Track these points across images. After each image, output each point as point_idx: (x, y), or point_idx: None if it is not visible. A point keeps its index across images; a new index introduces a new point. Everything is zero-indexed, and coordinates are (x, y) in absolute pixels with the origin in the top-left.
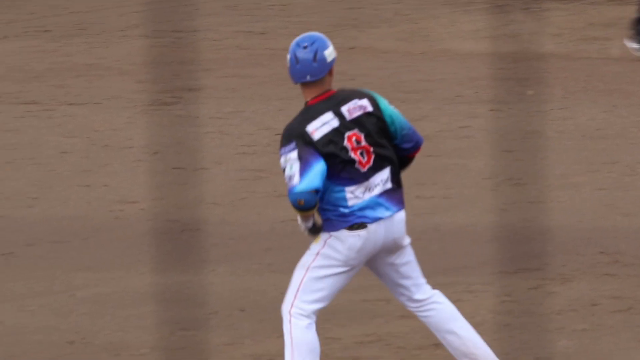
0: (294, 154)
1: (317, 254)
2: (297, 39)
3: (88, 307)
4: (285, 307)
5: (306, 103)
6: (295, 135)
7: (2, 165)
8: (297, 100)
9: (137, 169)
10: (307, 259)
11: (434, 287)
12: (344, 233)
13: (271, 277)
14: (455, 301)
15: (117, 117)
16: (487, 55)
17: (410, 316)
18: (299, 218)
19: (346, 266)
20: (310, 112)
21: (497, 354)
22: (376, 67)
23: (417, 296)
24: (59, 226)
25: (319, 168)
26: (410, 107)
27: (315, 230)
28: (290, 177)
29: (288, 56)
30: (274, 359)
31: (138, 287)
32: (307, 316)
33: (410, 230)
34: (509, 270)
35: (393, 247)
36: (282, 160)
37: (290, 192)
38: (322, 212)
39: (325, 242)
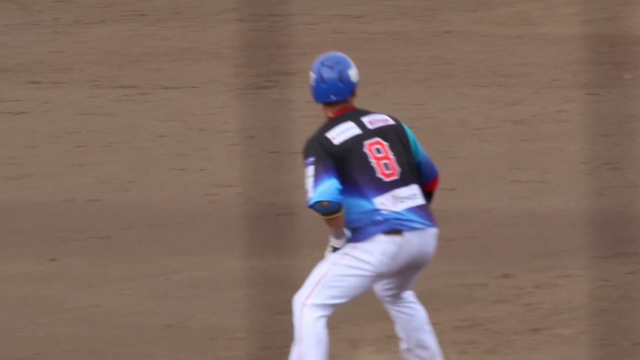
0: (310, 170)
1: (347, 254)
2: (321, 58)
3: (184, 291)
4: (299, 298)
5: (328, 119)
6: (314, 145)
7: (99, 149)
8: (392, 85)
9: (232, 152)
10: (335, 256)
11: (531, 272)
12: (380, 237)
13: None
14: (552, 286)
15: (213, 101)
16: (584, 39)
17: (507, 301)
18: (333, 241)
19: (375, 272)
20: (331, 123)
21: (595, 338)
22: (473, 50)
23: (403, 295)
24: (154, 210)
25: (331, 182)
26: (506, 91)
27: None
28: (309, 191)
29: (313, 75)
30: (371, 343)
31: (233, 270)
32: (322, 309)
33: (506, 214)
34: (606, 255)
35: (422, 261)
36: (305, 172)
37: (309, 203)
38: (355, 223)
39: (357, 244)
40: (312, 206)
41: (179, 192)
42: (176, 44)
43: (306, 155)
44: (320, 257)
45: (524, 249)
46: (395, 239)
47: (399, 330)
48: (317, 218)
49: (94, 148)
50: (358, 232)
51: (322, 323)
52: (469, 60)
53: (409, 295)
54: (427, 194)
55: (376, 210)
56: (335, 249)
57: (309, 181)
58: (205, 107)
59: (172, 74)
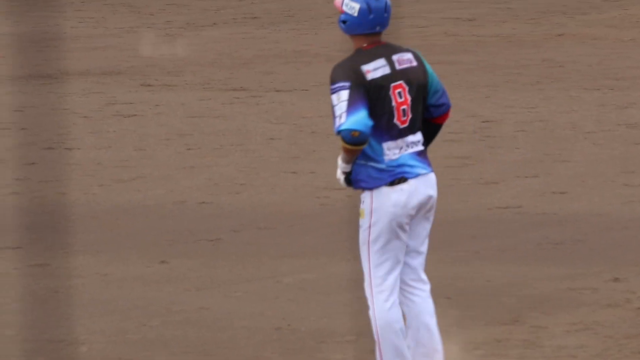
0: (345, 94)
1: (370, 226)
2: None
3: (294, 294)
4: (367, 291)
5: (360, 49)
6: (349, 73)
7: (210, 152)
8: (503, 87)
9: None
10: (363, 235)
11: None
12: (385, 190)
13: (478, 265)
14: None
15: (324, 104)
16: None
17: (618, 305)
18: (340, 164)
19: (397, 226)
20: (365, 55)
21: None
22: (585, 53)
23: (422, 276)
24: (265, 213)
25: (365, 113)
26: (618, 94)
27: (349, 180)
28: (339, 116)
29: (356, 5)
30: (479, 347)
31: (343, 273)
32: (389, 293)
33: (617, 218)
34: None
35: (430, 206)
36: (334, 97)
37: (339, 128)
38: (359, 167)
39: (371, 211)
40: (341, 131)
41: (289, 195)
42: (288, 46)
43: (338, 79)
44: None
45: (635, 253)
46: (402, 187)
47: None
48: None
49: (205, 150)
50: (361, 173)
51: (395, 309)
52: (581, 63)
53: (423, 284)
54: (436, 126)
55: (380, 155)
56: (347, 179)
57: (342, 105)
58: (316, 110)
59: (283, 77)
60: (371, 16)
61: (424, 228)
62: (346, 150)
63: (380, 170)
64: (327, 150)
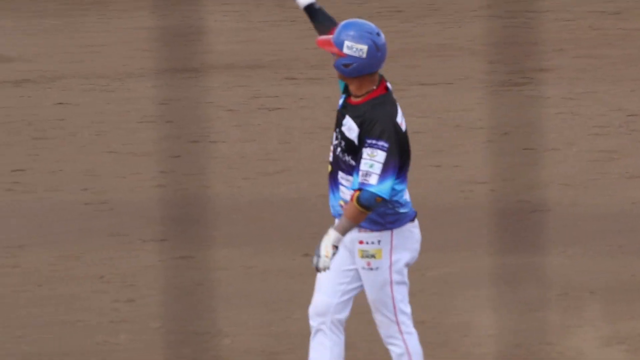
0: (382, 156)
1: (390, 265)
2: (363, 27)
3: (437, 287)
4: (388, 329)
5: (372, 91)
6: (392, 130)
7: None
8: None
9: (487, 149)
10: (382, 277)
11: None
12: (408, 226)
13: (623, 259)
14: None
15: (468, 98)
16: None
17: None
18: (334, 235)
19: (414, 259)
20: (392, 104)
21: None
22: None
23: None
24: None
25: (392, 181)
26: None
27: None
28: (368, 175)
29: (364, 46)
30: (624, 341)
31: (486, 267)
32: (411, 322)
33: None
34: None
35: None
36: (370, 152)
37: (367, 187)
38: (386, 207)
39: (390, 249)
40: (367, 192)
41: (433, 189)
42: (432, 40)
43: (383, 136)
44: (575, 255)
45: None
46: (417, 222)
47: None
48: (573, 215)
49: None
50: (390, 217)
51: (417, 339)
52: None
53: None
54: None
55: (403, 196)
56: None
57: (376, 166)
58: (460, 104)
59: (428, 70)
60: (379, 54)
61: None
62: (358, 213)
63: (404, 209)
64: (470, 144)
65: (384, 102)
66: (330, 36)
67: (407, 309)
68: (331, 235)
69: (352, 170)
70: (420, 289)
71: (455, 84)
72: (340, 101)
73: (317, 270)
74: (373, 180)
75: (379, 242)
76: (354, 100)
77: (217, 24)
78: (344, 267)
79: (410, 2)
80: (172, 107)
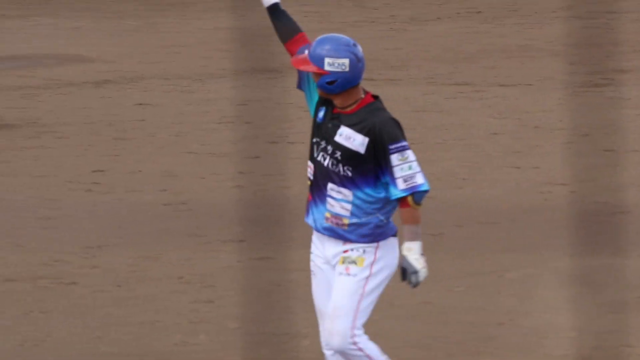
0: (411, 154)
1: (368, 277)
2: (340, 40)
3: (516, 289)
4: (344, 340)
5: (361, 99)
6: (402, 129)
7: (433, 146)
8: None
9: (566, 150)
10: (356, 285)
11: None
12: (392, 240)
13: None
14: None
15: (548, 99)
16: None
17: None
18: (418, 246)
19: (391, 275)
20: (384, 109)
21: None
22: None
23: None
24: (487, 207)
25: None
26: None
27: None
28: (414, 175)
29: (345, 60)
30: None
31: (566, 268)
32: (362, 330)
33: None
34: None
35: None
36: (407, 154)
37: (417, 188)
38: (369, 218)
39: (373, 261)
40: (421, 192)
41: (512, 190)
42: (512, 41)
43: (402, 137)
44: None
45: None
46: (397, 239)
47: None
48: None
49: (429, 145)
50: (379, 229)
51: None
52: None
53: None
54: None
55: (393, 210)
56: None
57: (415, 166)
58: (539, 105)
59: (507, 72)
60: (360, 64)
61: None
62: (417, 213)
63: (389, 223)
64: (550, 145)
65: (379, 107)
66: (305, 55)
67: (362, 322)
68: (413, 247)
69: (347, 181)
70: (498, 290)
71: (534, 85)
72: (321, 113)
73: (417, 285)
74: (420, 179)
75: (363, 251)
76: (343, 110)
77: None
78: (333, 285)
79: (490, 3)
80: (251, 107)
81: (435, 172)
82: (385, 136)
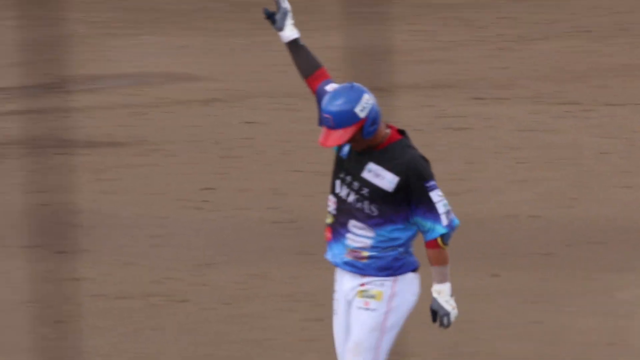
0: (440, 193)
1: (387, 311)
2: (343, 87)
3: (627, 309)
4: None
5: (389, 134)
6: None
7: (541, 165)
8: None
9: None
10: (375, 320)
11: None
12: (410, 276)
13: None
14: None
15: None
16: None
17: None
18: (447, 287)
19: (408, 313)
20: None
21: None
22: None
23: None
24: (597, 227)
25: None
26: None
27: None
28: (450, 211)
29: (369, 97)
30: None
31: None
32: None
33: None
34: None
35: None
36: (438, 193)
37: (454, 223)
38: (387, 252)
39: (391, 295)
40: (451, 231)
41: (621, 209)
42: (621, 60)
43: (432, 176)
44: None
45: None
46: (418, 275)
47: None
48: None
49: (536, 164)
50: (398, 261)
51: None
52: None
53: None
54: None
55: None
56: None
57: (446, 203)
58: None
59: (616, 91)
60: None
61: None
62: (444, 253)
63: (410, 256)
64: None
65: (409, 145)
66: (326, 131)
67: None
68: (443, 290)
69: (369, 219)
70: (609, 310)
71: None
72: (347, 147)
73: (449, 326)
74: (453, 216)
75: (382, 284)
76: (370, 147)
77: (405, 44)
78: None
79: (599, 22)
80: None
81: (543, 191)
82: (420, 175)
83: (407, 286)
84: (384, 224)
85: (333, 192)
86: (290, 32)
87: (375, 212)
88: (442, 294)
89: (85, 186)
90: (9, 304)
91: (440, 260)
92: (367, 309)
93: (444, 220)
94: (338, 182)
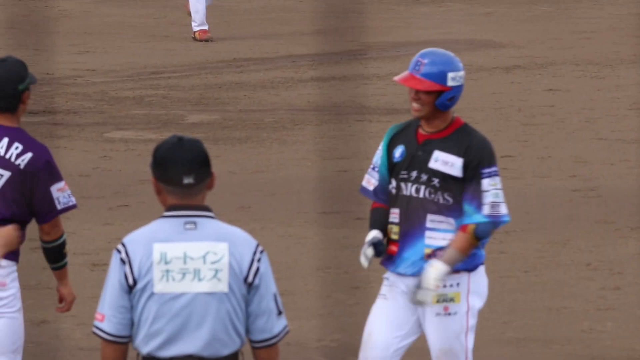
0: (500, 182)
1: (468, 310)
2: (445, 52)
3: None
4: None
5: (455, 119)
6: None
7: None
8: None
9: None
10: (460, 323)
11: None
12: (482, 269)
13: None
14: None
15: None
16: None
17: None
18: (444, 269)
19: (483, 305)
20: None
21: None
22: None
23: None
24: None
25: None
26: None
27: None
28: (499, 204)
29: (462, 73)
30: None
31: None
32: None
33: None
34: None
35: None
36: (496, 180)
37: (500, 219)
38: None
39: (468, 292)
40: (490, 224)
41: None
42: None
43: (495, 160)
44: None
45: None
46: (484, 267)
47: None
48: None
49: None
50: (473, 255)
51: None
52: None
53: None
54: None
55: None
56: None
57: (501, 195)
58: None
59: None
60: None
61: None
62: (471, 246)
63: (479, 249)
64: None
65: (474, 129)
66: (406, 74)
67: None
68: (440, 268)
69: (446, 209)
70: None
71: None
72: (399, 150)
73: (418, 303)
74: (504, 209)
75: (457, 284)
76: (433, 134)
77: None
78: (402, 318)
79: None
80: None
81: None
82: (481, 158)
83: (481, 279)
84: (462, 213)
85: (394, 202)
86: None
87: (451, 201)
88: (437, 270)
89: None
90: (307, 269)
91: (460, 246)
92: (448, 314)
93: (486, 210)
94: (402, 185)
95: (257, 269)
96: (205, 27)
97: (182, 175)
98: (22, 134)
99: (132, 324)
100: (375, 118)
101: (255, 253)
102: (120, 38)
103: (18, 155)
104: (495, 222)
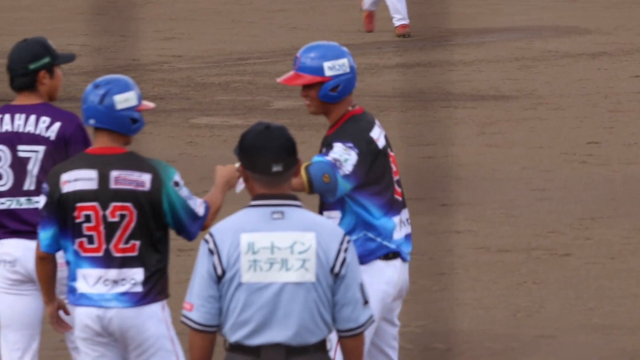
0: (354, 156)
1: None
2: (328, 43)
3: None
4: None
5: (348, 111)
6: (360, 137)
7: None
8: None
9: None
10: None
11: None
12: (379, 264)
13: None
14: None
15: None
16: None
17: None
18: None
19: (385, 307)
20: (368, 122)
21: None
22: None
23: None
24: None
25: (353, 184)
26: None
27: None
28: (344, 162)
29: (345, 60)
30: None
31: None
32: None
33: None
34: None
35: (402, 295)
36: (341, 147)
37: (335, 170)
38: (363, 239)
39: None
40: (336, 182)
41: None
42: None
43: (348, 139)
44: None
45: None
46: (395, 263)
47: None
48: None
49: None
50: (369, 243)
51: None
52: None
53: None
54: None
55: (392, 231)
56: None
57: (351, 160)
58: None
59: None
60: (354, 65)
61: (399, 305)
62: (300, 186)
63: (382, 246)
64: None
65: (360, 119)
66: (291, 73)
67: None
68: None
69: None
70: None
71: None
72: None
73: None
74: (344, 170)
75: None
76: (328, 130)
77: None
78: None
79: None
80: None
81: None
82: (329, 143)
83: (373, 276)
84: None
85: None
86: None
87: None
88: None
89: (469, 139)
90: None
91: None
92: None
93: (329, 158)
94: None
95: (344, 259)
96: (405, 22)
97: (271, 163)
98: (47, 107)
99: (220, 313)
100: (461, 104)
101: (342, 243)
102: (206, 24)
103: (47, 128)
104: (332, 165)
